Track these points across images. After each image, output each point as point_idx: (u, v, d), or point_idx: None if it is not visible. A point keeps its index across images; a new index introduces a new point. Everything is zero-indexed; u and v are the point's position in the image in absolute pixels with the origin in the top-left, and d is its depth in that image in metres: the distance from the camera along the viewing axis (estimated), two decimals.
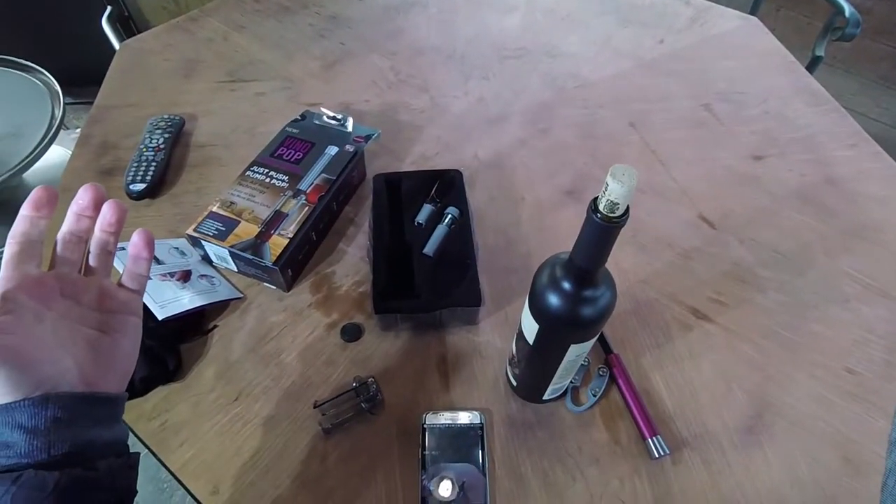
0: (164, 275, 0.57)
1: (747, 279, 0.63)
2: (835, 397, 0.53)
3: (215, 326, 0.58)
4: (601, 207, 0.30)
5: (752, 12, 1.54)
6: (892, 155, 0.80)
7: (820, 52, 1.26)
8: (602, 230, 0.32)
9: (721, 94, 0.89)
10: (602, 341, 0.56)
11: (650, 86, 0.91)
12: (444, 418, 0.50)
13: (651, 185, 0.74)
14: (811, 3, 1.36)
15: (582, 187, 0.74)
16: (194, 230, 0.59)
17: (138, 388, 0.52)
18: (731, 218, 0.70)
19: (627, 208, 0.30)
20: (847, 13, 1.24)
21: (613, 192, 0.29)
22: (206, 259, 0.62)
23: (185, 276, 0.58)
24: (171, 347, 0.54)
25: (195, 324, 0.57)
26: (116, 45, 1.00)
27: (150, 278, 0.54)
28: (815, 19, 1.62)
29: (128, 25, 1.12)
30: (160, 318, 0.52)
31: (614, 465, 0.48)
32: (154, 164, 0.69)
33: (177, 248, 0.61)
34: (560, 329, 0.40)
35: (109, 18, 1.06)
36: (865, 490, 0.47)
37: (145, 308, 0.52)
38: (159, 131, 0.73)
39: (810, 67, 1.25)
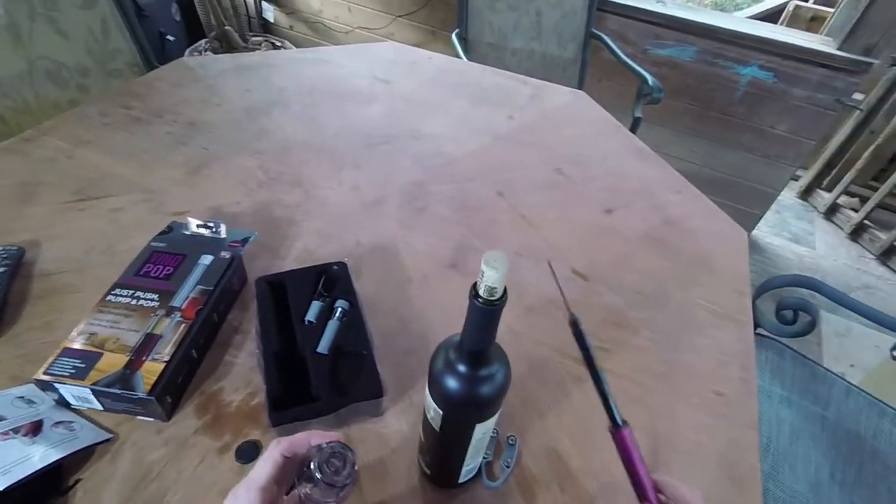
0: (5, 432, 0.48)
1: (622, 323, 0.70)
2: (711, 420, 0.59)
3: (78, 481, 0.49)
4: (481, 293, 0.32)
5: (580, 86, 1.81)
6: (705, 188, 0.96)
7: (638, 114, 1.51)
8: (485, 313, 0.33)
9: (568, 158, 1.02)
10: (609, 412, 0.43)
11: (508, 157, 1.01)
12: None
13: (526, 247, 0.81)
14: (624, 75, 1.64)
15: (464, 258, 0.78)
16: (44, 373, 0.51)
17: None
18: (598, 268, 0.78)
19: (505, 290, 0.33)
20: (650, 82, 1.51)
21: (489, 278, 0.31)
22: (63, 402, 0.54)
23: (35, 429, 0.49)
24: None
25: (52, 482, 0.48)
26: None
27: None
28: (629, 86, 1.94)
29: None
30: (1, 488, 0.43)
31: None
32: None
33: (22, 398, 0.52)
34: (463, 411, 0.40)
35: None
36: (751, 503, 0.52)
37: None
38: None
39: (633, 127, 1.48)
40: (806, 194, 2.52)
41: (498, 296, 0.32)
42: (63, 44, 1.14)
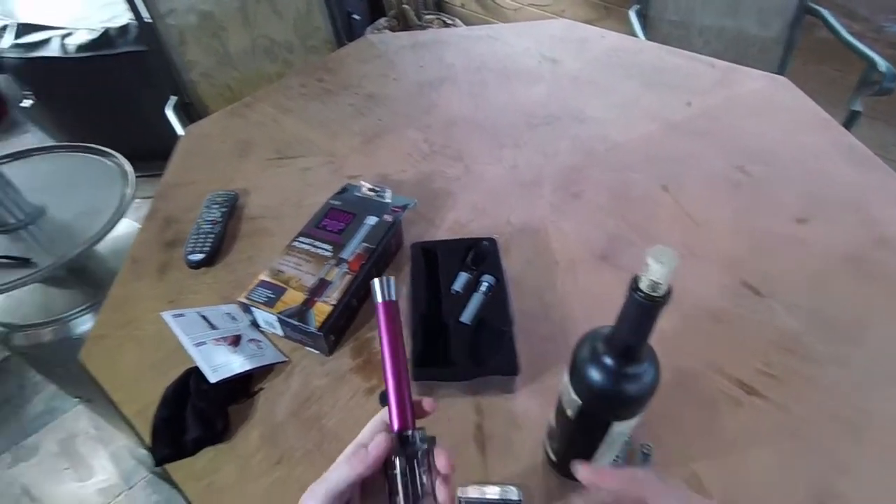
0: (218, 339, 0.60)
1: (797, 350, 0.61)
2: None
3: (261, 389, 0.60)
4: (643, 287, 0.31)
5: (780, 71, 1.56)
6: None
7: (857, 107, 1.25)
8: (644, 309, 0.32)
9: (754, 154, 0.89)
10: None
11: (680, 147, 0.92)
12: (480, 493, 0.49)
13: (688, 248, 0.74)
14: (841, 57, 1.36)
15: (616, 251, 0.74)
16: (246, 297, 0.62)
17: (189, 448, 0.54)
18: (776, 283, 0.68)
19: (670, 289, 0.31)
20: (883, 68, 1.23)
21: (654, 272, 0.30)
22: (255, 324, 0.65)
23: (236, 341, 0.61)
24: (220, 409, 0.57)
25: (243, 386, 0.60)
26: (179, 129, 1.11)
27: (206, 343, 0.58)
28: (847, 73, 1.62)
29: (188, 111, 1.24)
30: (212, 381, 0.54)
31: None
32: (211, 235, 0.75)
33: (229, 314, 0.64)
34: (603, 405, 0.39)
35: (174, 106, 1.19)
36: None
37: (198, 371, 0.56)
38: (216, 206, 0.79)
39: (848, 123, 1.24)
40: None
41: (661, 293, 0.31)
42: (278, 23, 1.32)
